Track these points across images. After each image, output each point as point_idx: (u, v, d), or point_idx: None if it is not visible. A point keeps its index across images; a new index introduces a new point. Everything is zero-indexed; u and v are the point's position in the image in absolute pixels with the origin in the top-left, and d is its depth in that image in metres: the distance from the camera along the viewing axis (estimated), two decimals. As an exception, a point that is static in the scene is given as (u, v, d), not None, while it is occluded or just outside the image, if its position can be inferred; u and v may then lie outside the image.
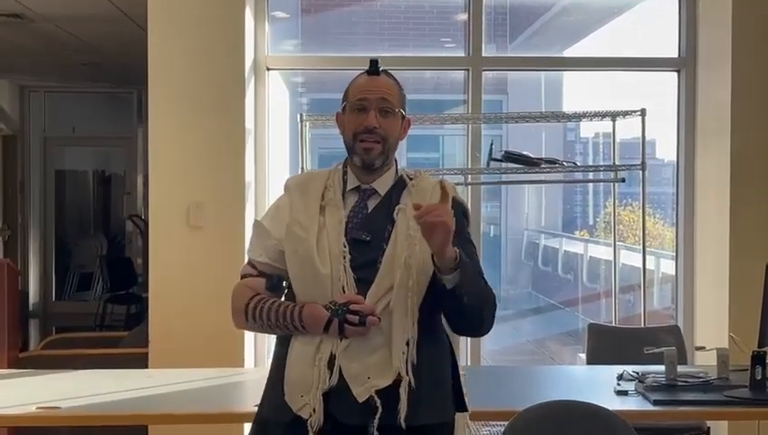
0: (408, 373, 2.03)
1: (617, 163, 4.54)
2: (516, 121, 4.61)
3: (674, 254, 4.74)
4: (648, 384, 3.08)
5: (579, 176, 5.59)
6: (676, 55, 4.68)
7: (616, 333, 4.24)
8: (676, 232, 4.71)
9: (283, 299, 2.19)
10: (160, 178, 4.21)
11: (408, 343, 2.05)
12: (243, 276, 2.21)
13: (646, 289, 4.51)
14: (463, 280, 2.00)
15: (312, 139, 4.42)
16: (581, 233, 8.25)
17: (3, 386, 3.24)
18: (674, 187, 4.74)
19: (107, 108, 10.26)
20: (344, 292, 2.07)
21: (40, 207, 9.89)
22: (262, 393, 2.21)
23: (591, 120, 4.59)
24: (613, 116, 4.49)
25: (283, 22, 4.88)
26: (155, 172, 4.22)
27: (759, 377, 3.02)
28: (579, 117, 4.64)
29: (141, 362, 4.03)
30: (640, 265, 4.53)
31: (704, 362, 3.63)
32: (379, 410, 2.01)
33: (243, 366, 4.12)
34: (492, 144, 4.38)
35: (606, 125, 4.70)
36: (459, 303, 2.03)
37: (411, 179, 2.22)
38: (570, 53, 6.01)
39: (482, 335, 2.27)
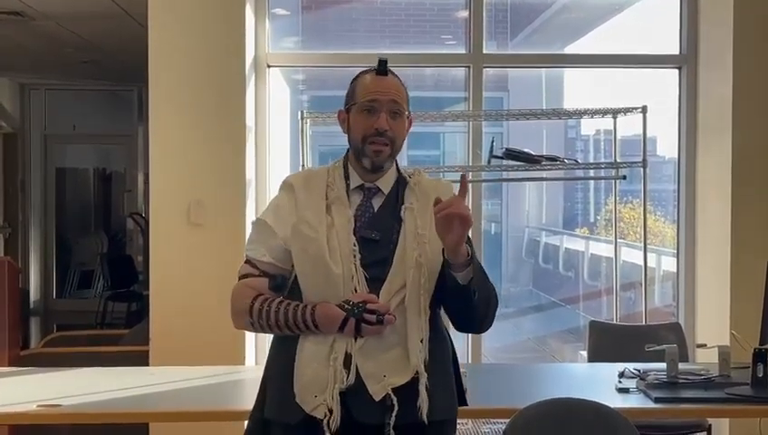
0: (424, 371, 2.05)
1: (618, 160, 4.54)
2: (517, 119, 4.60)
3: (675, 251, 4.73)
4: (650, 382, 3.08)
5: (580, 173, 5.58)
6: (677, 52, 4.68)
7: (617, 330, 4.24)
8: (678, 229, 4.70)
9: (283, 299, 2.17)
10: (161, 176, 4.21)
11: (421, 341, 2.07)
12: (243, 276, 2.17)
13: (647, 286, 4.50)
14: (475, 276, 2.03)
15: (313, 136, 4.41)
16: (582, 230, 8.24)
17: (3, 384, 3.23)
18: (675, 184, 4.74)
19: (107, 105, 10.26)
20: (355, 291, 2.07)
21: (41, 204, 9.89)
22: (257, 394, 2.20)
23: (592, 117, 4.58)
24: (614, 113, 4.49)
25: (284, 19, 4.88)
26: (155, 170, 4.22)
27: (761, 374, 3.02)
28: (580, 114, 4.63)
29: (142, 359, 4.03)
30: (641, 263, 4.53)
31: (705, 359, 3.63)
32: (396, 407, 2.02)
33: (243, 364, 4.12)
34: (493, 141, 4.37)
35: (607, 122, 4.70)
36: (470, 299, 2.05)
37: (410, 177, 2.22)
38: (571, 50, 6.00)
39: (483, 332, 2.28)
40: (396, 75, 2.22)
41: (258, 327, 2.14)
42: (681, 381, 3.10)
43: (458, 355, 2.27)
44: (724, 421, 4.20)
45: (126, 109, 9.97)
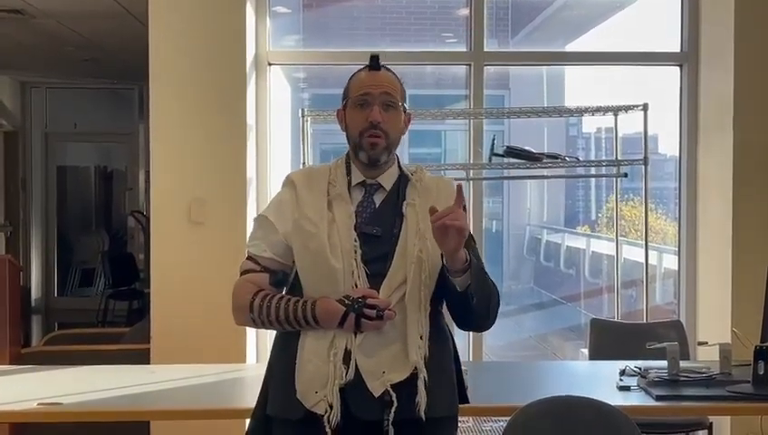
0: (423, 367, 2.05)
1: (619, 158, 4.54)
2: (518, 116, 4.60)
3: (676, 249, 4.73)
4: (651, 380, 3.08)
5: (581, 171, 5.58)
6: (678, 50, 4.67)
7: (618, 328, 4.24)
8: (679, 227, 4.70)
9: (284, 294, 2.18)
10: (162, 174, 4.21)
11: (421, 337, 2.07)
12: (244, 272, 2.19)
13: (648, 284, 4.50)
14: (472, 282, 2.03)
15: (314, 134, 4.41)
16: (584, 228, 8.23)
17: (4, 382, 3.23)
18: (676, 182, 4.73)
19: (108, 104, 10.25)
20: (356, 286, 2.07)
21: (42, 203, 9.88)
22: (259, 391, 2.20)
23: (593, 115, 4.58)
24: (615, 111, 4.48)
25: (285, 17, 4.88)
26: (156, 168, 4.22)
27: (762, 372, 3.01)
28: (581, 112, 4.63)
29: (143, 357, 4.03)
30: (643, 261, 4.53)
31: (706, 357, 3.63)
32: (395, 403, 2.02)
33: (244, 362, 4.12)
34: (494, 139, 4.37)
35: (608, 120, 4.69)
36: (468, 304, 2.06)
37: (412, 174, 2.23)
38: (572, 47, 6.00)
39: (485, 330, 2.28)
40: (390, 70, 2.23)
41: (259, 323, 2.14)
42: (682, 378, 3.09)
43: (459, 353, 2.26)
44: (726, 419, 4.20)
45: (127, 107, 9.96)
